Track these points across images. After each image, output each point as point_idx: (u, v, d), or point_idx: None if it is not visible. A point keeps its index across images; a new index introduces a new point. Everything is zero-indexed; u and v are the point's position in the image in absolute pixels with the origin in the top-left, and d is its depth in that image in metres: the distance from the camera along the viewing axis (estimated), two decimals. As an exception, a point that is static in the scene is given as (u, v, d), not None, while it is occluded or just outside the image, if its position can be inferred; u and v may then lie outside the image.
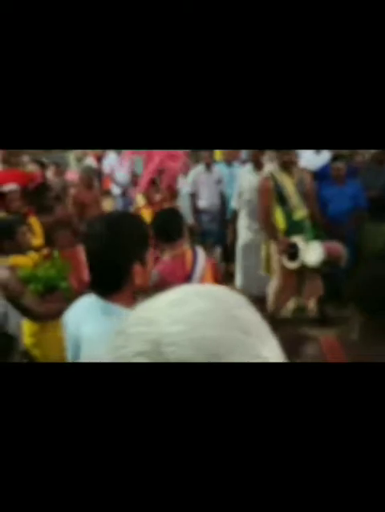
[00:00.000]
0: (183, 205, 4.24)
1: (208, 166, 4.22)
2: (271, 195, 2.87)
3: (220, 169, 4.34)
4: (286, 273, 2.96)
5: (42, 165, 4.90)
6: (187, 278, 1.90)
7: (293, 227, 2.87)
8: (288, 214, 2.87)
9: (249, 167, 3.79)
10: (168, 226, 1.94)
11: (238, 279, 3.93)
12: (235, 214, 3.92)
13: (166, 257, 1.96)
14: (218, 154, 4.92)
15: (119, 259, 0.96)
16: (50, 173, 4.92)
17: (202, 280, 1.93)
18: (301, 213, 2.87)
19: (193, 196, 4.27)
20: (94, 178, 4.09)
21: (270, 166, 3.72)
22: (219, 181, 4.20)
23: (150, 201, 3.55)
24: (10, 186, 3.14)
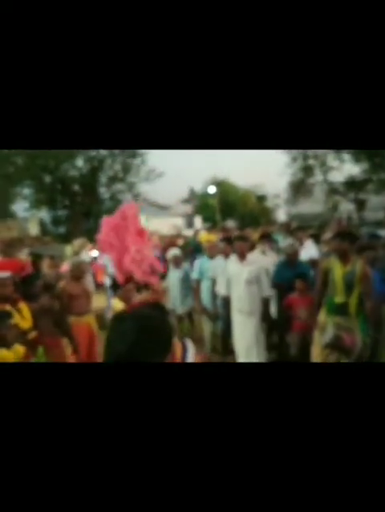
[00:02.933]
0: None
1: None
2: (323, 275, 3.34)
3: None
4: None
5: (38, 257, 5.18)
6: None
7: (333, 308, 3.21)
8: (331, 296, 3.24)
9: (234, 257, 4.05)
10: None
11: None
12: (227, 301, 4.14)
13: None
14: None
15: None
16: (45, 265, 5.17)
17: None
18: (340, 298, 3.16)
19: (213, 281, 4.43)
20: (84, 271, 4.29)
21: (253, 255, 4.08)
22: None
23: (127, 303, 3.06)
24: (3, 274, 3.34)
